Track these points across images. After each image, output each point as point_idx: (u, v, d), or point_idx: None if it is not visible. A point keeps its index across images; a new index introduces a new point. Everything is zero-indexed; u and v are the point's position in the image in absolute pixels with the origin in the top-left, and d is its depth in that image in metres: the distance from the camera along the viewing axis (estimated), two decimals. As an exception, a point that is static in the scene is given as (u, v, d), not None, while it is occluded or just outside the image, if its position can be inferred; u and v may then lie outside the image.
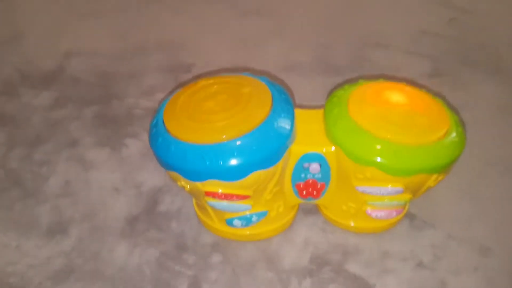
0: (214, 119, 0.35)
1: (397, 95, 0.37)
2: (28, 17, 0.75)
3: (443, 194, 0.44)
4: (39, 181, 0.47)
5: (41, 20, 0.73)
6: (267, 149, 0.34)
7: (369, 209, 0.38)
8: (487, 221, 0.43)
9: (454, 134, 0.35)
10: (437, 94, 0.40)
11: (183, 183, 0.35)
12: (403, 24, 0.70)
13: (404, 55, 0.64)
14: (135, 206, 0.45)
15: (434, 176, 0.35)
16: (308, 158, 0.37)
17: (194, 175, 0.34)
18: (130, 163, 0.49)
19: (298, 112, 0.37)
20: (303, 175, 0.38)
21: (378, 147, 0.34)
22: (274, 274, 0.39)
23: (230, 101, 0.36)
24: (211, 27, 0.70)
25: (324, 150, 0.36)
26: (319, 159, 0.37)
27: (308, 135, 0.37)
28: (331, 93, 0.39)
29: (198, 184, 0.34)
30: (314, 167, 0.37)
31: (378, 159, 0.33)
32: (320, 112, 0.38)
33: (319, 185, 0.38)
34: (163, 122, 0.36)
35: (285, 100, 0.37)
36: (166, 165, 0.35)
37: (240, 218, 0.38)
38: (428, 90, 0.39)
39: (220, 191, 0.35)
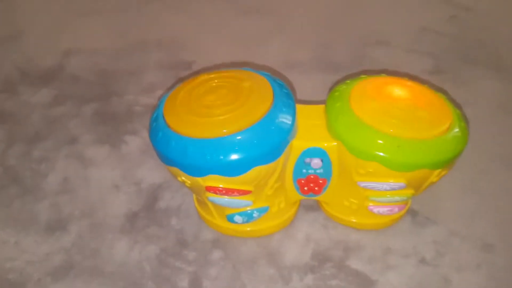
0: (215, 113, 0.34)
1: (399, 90, 0.37)
2: (28, 15, 0.74)
3: (445, 190, 0.44)
4: (38, 178, 0.47)
5: (41, 19, 0.73)
6: (268, 144, 0.33)
7: (371, 205, 0.38)
8: (490, 217, 0.42)
9: (457, 129, 0.35)
10: (439, 90, 0.39)
11: (183, 178, 0.35)
12: (404, 22, 0.70)
13: (404, 53, 0.63)
14: (135, 203, 0.44)
15: (437, 171, 0.34)
16: (310, 153, 0.36)
17: (195, 170, 0.34)
18: (129, 160, 0.49)
19: (299, 107, 0.37)
20: (304, 171, 0.37)
21: (380, 141, 0.33)
22: (275, 271, 0.39)
23: (230, 95, 0.35)
24: (211, 26, 0.70)
25: (325, 145, 0.36)
26: (321, 154, 0.36)
27: (310, 130, 0.36)
28: (332, 88, 0.39)
29: (199, 179, 0.34)
30: (316, 162, 0.37)
31: (381, 154, 0.33)
32: (321, 107, 0.38)
33: (320, 180, 0.38)
34: (163, 116, 0.35)
35: (286, 94, 0.36)
36: (166, 160, 0.35)
37: (241, 214, 0.38)
38: (430, 86, 0.39)
39: (221, 186, 0.34)
